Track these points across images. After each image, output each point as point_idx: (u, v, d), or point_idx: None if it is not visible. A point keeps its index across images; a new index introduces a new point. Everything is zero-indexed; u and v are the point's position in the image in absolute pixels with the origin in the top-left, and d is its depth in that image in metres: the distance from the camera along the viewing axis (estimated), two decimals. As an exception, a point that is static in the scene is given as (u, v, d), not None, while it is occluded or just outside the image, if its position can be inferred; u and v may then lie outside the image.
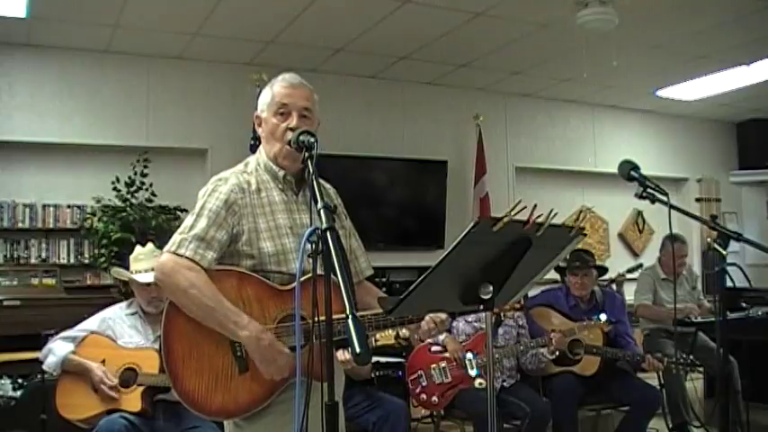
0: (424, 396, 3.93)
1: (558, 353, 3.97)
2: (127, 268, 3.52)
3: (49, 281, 5.21)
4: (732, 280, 3.14)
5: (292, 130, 2.02)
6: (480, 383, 3.81)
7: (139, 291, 3.38)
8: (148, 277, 3.25)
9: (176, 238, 1.98)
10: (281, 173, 2.10)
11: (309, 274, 1.71)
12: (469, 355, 3.88)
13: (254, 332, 1.89)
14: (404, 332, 3.32)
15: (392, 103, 6.73)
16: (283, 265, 2.01)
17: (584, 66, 6.07)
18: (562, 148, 7.59)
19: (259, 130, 2.18)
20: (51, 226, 5.48)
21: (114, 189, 5.39)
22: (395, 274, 6.34)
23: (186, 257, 1.93)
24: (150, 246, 3.53)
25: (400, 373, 4.32)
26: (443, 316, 2.12)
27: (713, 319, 4.65)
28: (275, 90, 2.11)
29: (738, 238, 2.38)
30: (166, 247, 1.99)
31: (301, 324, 1.74)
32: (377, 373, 3.99)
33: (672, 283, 5.12)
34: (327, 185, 2.20)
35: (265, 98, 2.13)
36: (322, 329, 1.58)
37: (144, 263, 3.37)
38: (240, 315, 1.90)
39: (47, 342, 3.29)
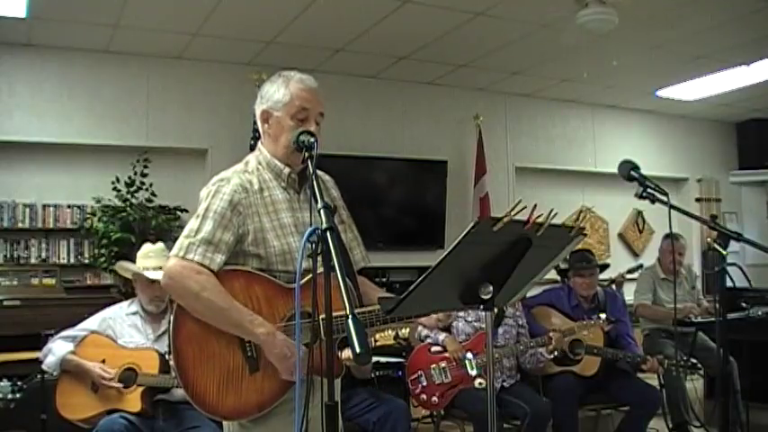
0: (424, 396, 3.93)
1: (556, 352, 3.97)
2: (131, 266, 3.53)
3: (49, 281, 5.21)
4: (732, 280, 3.13)
5: None
6: (480, 383, 3.81)
7: (144, 288, 3.38)
8: (157, 275, 3.25)
9: (183, 242, 1.96)
10: (287, 170, 2.09)
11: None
12: (469, 355, 3.87)
13: (268, 330, 1.91)
14: (403, 332, 3.31)
15: (392, 102, 6.72)
16: (290, 263, 2.02)
17: (584, 66, 6.07)
18: (562, 148, 7.58)
19: (264, 126, 2.13)
20: (51, 226, 5.47)
21: (114, 189, 5.39)
22: (395, 274, 6.34)
23: (195, 262, 1.92)
24: (161, 245, 3.55)
25: (400, 372, 4.32)
26: None
27: (713, 319, 4.65)
28: (294, 91, 2.06)
29: (738, 238, 2.38)
30: (173, 252, 1.97)
31: (307, 322, 1.74)
32: (377, 373, 3.99)
33: (671, 282, 5.11)
34: (326, 177, 2.21)
35: (280, 96, 2.07)
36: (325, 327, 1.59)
37: (153, 260, 3.38)
38: (252, 315, 1.92)
39: (47, 342, 3.30)
